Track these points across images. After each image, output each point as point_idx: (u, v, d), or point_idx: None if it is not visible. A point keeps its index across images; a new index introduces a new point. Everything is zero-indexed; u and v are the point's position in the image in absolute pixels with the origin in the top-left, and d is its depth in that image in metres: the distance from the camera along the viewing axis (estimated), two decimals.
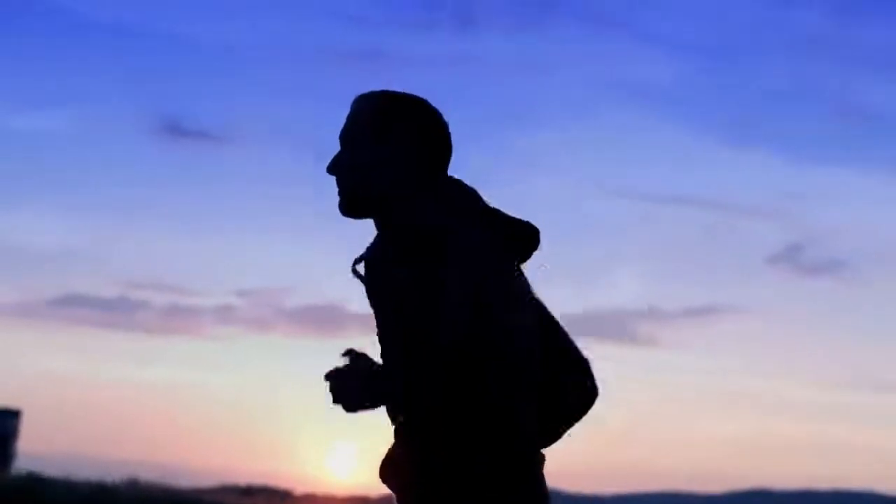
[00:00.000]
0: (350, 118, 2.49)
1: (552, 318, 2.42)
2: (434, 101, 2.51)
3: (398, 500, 2.41)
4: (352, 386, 2.27)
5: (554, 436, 2.41)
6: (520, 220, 2.41)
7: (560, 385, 2.36)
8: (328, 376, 2.29)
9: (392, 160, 2.43)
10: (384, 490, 2.42)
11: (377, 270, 2.42)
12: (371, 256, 2.45)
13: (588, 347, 2.46)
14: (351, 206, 2.46)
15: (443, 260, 2.26)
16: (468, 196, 2.43)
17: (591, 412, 2.43)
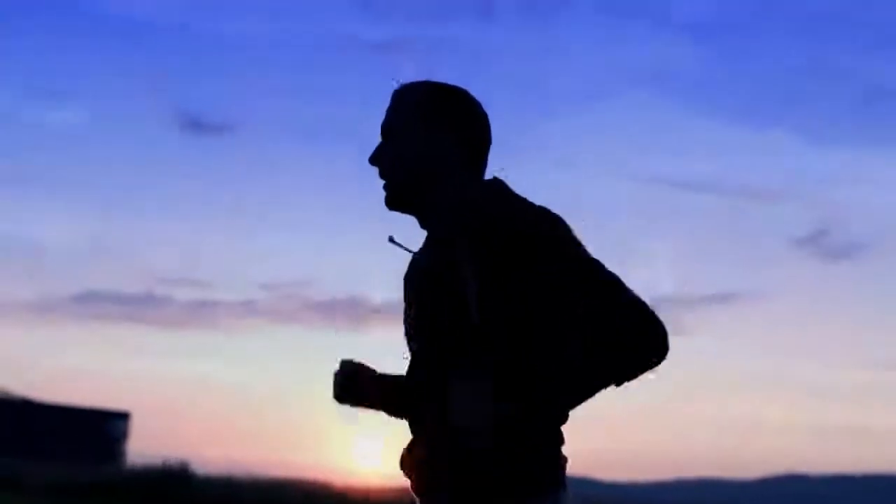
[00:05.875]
0: (392, 109, 2.48)
1: (610, 276, 2.33)
2: None
3: (412, 488, 2.40)
4: (360, 383, 2.42)
5: (619, 379, 2.31)
6: None
7: (617, 337, 2.28)
8: (341, 367, 2.42)
9: (437, 151, 2.41)
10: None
11: (426, 266, 2.40)
12: (419, 259, 2.44)
13: None
14: (396, 199, 2.45)
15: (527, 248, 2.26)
16: (511, 192, 2.41)
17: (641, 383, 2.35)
